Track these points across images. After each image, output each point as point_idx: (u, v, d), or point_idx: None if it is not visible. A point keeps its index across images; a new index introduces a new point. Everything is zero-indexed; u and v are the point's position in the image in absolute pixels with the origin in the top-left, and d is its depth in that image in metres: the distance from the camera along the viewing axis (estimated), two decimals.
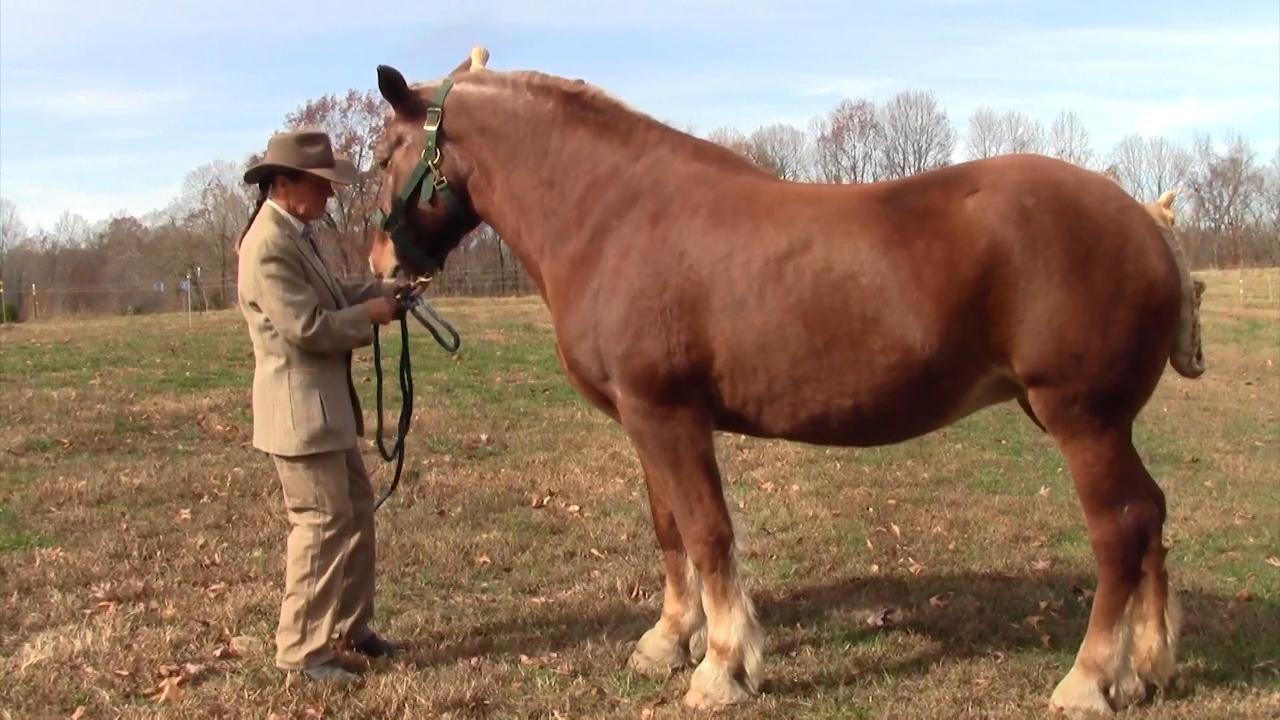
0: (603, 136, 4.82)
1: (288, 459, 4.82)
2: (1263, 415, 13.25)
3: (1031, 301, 4.19)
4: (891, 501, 8.37)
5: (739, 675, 4.62)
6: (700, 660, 4.92)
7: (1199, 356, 4.51)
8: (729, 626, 4.61)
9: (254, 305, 4.81)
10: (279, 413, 4.81)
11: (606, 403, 4.81)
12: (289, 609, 4.82)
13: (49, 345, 19.35)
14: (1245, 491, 8.76)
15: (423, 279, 5.14)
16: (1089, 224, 4.21)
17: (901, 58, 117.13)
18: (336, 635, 5.00)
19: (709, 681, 4.60)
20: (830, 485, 8.93)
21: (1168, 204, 4.54)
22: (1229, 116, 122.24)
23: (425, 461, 9.73)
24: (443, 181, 4.90)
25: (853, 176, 74.03)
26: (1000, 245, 4.20)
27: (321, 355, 4.85)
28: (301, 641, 4.80)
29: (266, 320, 4.79)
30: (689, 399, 4.53)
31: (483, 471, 9.35)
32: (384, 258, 5.05)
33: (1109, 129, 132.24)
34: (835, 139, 79.78)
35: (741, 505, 8.19)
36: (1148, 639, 4.60)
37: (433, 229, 5.01)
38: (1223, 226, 78.45)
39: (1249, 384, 16.60)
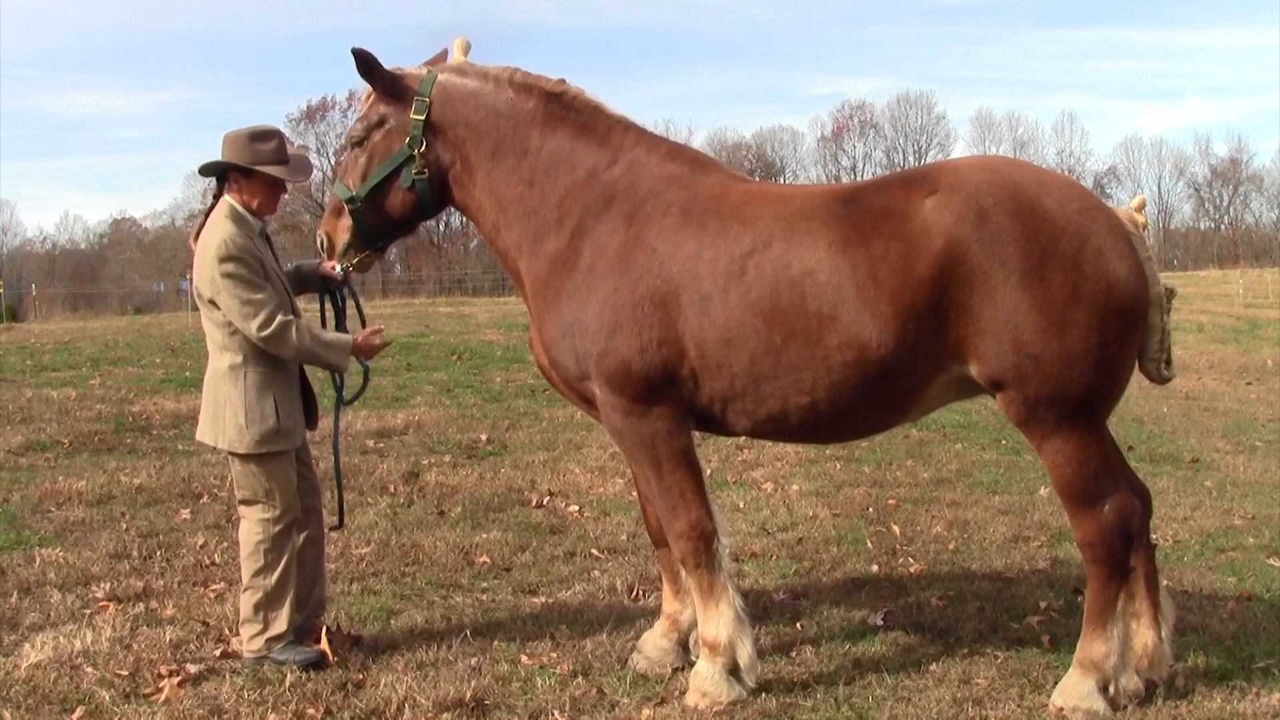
0: (582, 137, 4.87)
1: (238, 455, 4.89)
2: (1263, 415, 13.24)
3: (988, 302, 4.21)
4: (891, 501, 8.37)
5: (734, 671, 4.63)
6: (696, 659, 4.95)
7: (1168, 363, 4.51)
8: (717, 622, 4.64)
9: (211, 302, 4.86)
10: (231, 410, 4.87)
11: (586, 402, 4.84)
12: (248, 602, 4.93)
13: (49, 345, 19.36)
14: (1245, 491, 8.76)
15: (359, 261, 5.10)
16: (1047, 225, 4.22)
17: (902, 57, 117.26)
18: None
19: (706, 680, 4.61)
20: (830, 485, 8.93)
21: (1139, 208, 4.54)
22: (1229, 116, 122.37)
23: (425, 461, 9.73)
24: (423, 172, 4.90)
25: (853, 176, 74.04)
26: (956, 246, 4.21)
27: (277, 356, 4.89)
28: (264, 630, 4.91)
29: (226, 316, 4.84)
30: (665, 396, 4.57)
31: (483, 471, 9.35)
32: (340, 233, 5.01)
33: (1110, 129, 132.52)
34: (835, 139, 79.95)
35: (741, 505, 8.20)
36: (1142, 636, 4.62)
37: (397, 215, 5.00)
38: (1223, 226, 78.50)
39: (1249, 384, 16.59)
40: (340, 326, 5.32)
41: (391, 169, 4.91)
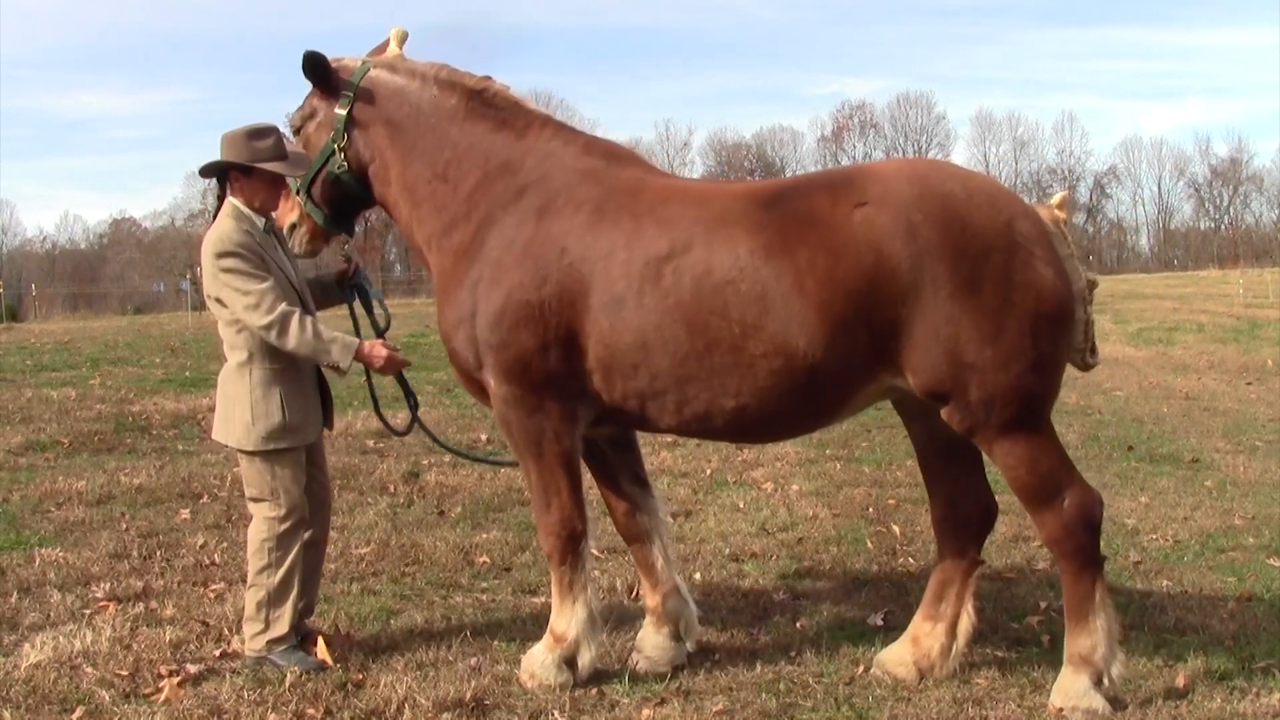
0: (499, 132, 4.89)
1: (245, 452, 4.89)
2: (1263, 415, 13.23)
3: (920, 316, 4.21)
4: (891, 501, 8.37)
5: (570, 662, 4.72)
6: (694, 649, 5.04)
7: (1093, 351, 4.55)
8: (570, 619, 4.73)
9: (218, 301, 4.88)
10: (239, 407, 4.88)
11: (484, 393, 4.83)
12: (251, 599, 4.92)
13: (49, 345, 19.38)
14: (1245, 491, 8.75)
15: (350, 259, 5.33)
16: (977, 238, 4.22)
17: (903, 57, 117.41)
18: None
19: (537, 663, 4.73)
20: (830, 485, 8.93)
21: (1060, 205, 4.54)
22: (1229, 116, 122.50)
23: (425, 461, 9.73)
24: (344, 166, 4.98)
25: None
26: (886, 262, 4.20)
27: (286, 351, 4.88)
28: (265, 629, 4.90)
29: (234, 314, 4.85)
30: (560, 394, 4.58)
31: (482, 471, 9.34)
32: (285, 215, 5.13)
33: (1110, 129, 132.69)
34: (835, 139, 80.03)
35: (741, 505, 8.19)
36: (935, 637, 4.76)
37: (332, 206, 5.11)
38: (1223, 226, 78.56)
39: (1249, 384, 16.57)
40: (368, 327, 5.36)
41: (321, 162, 4.99)
